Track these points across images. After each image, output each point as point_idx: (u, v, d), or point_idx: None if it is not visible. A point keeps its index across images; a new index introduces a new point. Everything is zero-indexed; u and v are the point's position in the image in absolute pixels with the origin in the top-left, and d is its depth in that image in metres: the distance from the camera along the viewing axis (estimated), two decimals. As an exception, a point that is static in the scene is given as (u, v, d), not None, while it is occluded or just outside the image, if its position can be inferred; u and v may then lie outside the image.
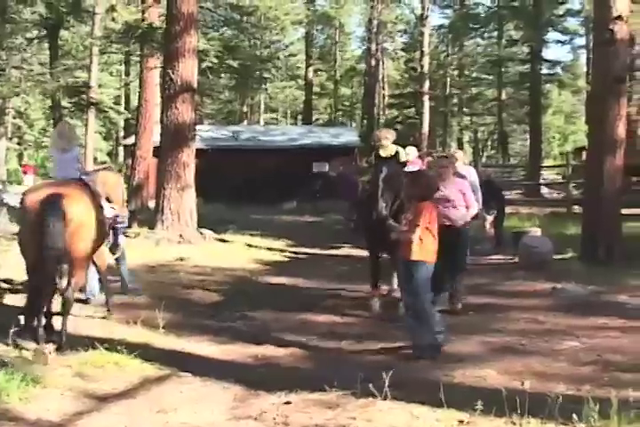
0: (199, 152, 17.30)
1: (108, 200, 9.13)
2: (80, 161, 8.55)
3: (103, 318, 8.74)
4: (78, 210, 7.10)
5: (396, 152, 9.95)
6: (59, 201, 6.92)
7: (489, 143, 68.18)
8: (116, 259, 9.96)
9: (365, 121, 56.87)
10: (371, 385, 5.59)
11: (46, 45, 30.82)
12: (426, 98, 45.30)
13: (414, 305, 7.34)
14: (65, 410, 5.71)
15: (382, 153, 9.90)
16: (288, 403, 5.77)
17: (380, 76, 57.29)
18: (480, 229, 10.99)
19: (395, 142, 10.03)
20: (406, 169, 9.70)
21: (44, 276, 6.94)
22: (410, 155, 11.41)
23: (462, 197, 9.15)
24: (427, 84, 45.85)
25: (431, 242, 7.22)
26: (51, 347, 6.87)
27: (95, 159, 28.04)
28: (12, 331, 6.81)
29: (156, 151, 19.00)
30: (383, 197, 8.80)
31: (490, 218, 14.41)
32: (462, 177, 10.05)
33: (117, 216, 9.51)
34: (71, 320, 7.37)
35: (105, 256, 9.03)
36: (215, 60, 23.48)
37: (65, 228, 6.85)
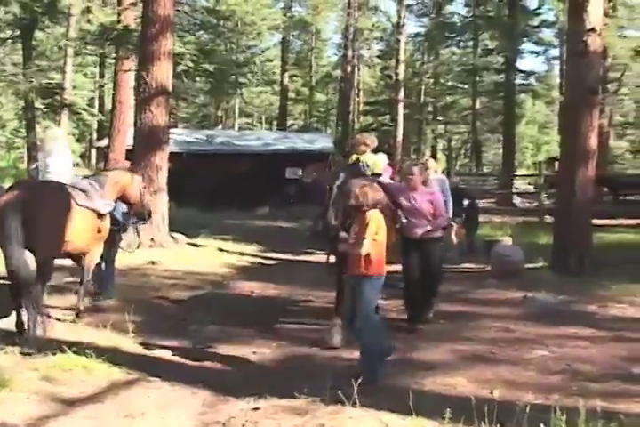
0: (173, 156, 17.21)
1: (123, 200, 9.26)
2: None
3: (72, 321, 8.66)
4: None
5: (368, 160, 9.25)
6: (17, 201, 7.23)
7: (462, 152, 68.47)
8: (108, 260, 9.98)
9: (340, 127, 56.95)
10: (340, 392, 5.58)
11: (20, 46, 30.51)
12: (400, 105, 45.48)
13: (365, 323, 6.86)
14: (31, 414, 5.64)
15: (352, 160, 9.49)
16: (257, 409, 5.75)
17: (356, 83, 57.41)
18: (447, 238, 10.93)
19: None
20: (381, 179, 9.18)
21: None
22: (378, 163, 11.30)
23: (431, 207, 8.87)
24: (402, 92, 46.05)
25: (380, 254, 6.90)
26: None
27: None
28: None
29: (130, 154, 18.88)
30: (334, 205, 8.16)
31: (455, 226, 14.38)
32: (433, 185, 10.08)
33: (127, 213, 9.57)
34: (39, 324, 7.30)
35: (94, 257, 8.98)
36: (191, 64, 23.44)
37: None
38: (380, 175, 9.20)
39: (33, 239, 7.19)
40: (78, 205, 7.90)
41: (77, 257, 8.56)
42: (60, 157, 8.36)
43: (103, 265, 9.88)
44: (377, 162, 9.24)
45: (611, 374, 6.78)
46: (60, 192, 7.80)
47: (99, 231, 8.52)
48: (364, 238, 6.72)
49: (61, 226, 7.55)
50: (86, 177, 9.21)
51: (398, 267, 9.24)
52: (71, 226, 7.65)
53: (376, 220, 6.86)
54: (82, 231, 7.95)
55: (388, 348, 7.09)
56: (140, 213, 9.74)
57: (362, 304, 6.87)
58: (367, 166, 8.94)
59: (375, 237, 6.79)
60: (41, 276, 7.34)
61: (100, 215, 8.41)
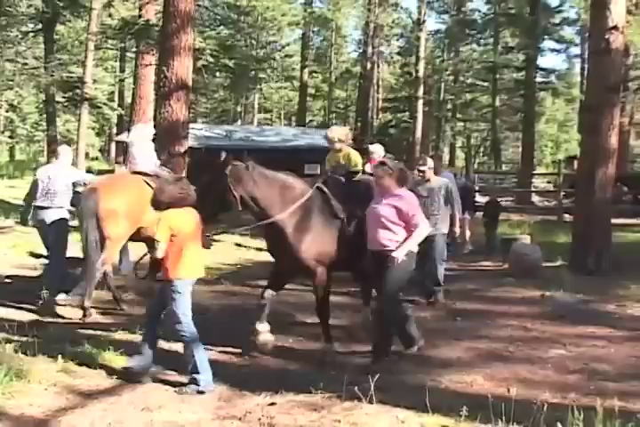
0: (192, 150, 17.25)
1: None
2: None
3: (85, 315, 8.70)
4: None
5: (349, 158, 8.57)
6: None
7: (482, 149, 68.22)
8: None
9: (359, 124, 56.86)
10: (356, 388, 5.59)
11: (41, 39, 30.61)
12: (420, 102, 45.28)
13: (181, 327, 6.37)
14: (49, 406, 5.69)
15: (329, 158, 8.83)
16: (273, 404, 5.77)
17: (375, 80, 57.25)
18: (461, 232, 10.75)
19: (387, 147, 9.53)
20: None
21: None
22: (375, 154, 10.95)
23: (396, 215, 7.05)
24: (421, 89, 45.81)
25: (185, 256, 6.33)
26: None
27: (87, 155, 27.88)
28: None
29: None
30: None
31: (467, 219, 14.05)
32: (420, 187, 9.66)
33: None
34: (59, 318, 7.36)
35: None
36: (211, 59, 23.47)
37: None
38: (357, 173, 8.45)
39: None
40: None
41: None
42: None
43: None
44: (351, 158, 8.53)
45: (628, 374, 6.75)
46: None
47: None
48: (156, 241, 6.25)
49: None
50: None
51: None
52: None
53: (169, 219, 6.28)
54: None
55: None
56: None
57: (176, 310, 6.38)
58: (343, 164, 8.47)
59: (174, 238, 6.26)
60: None
61: None
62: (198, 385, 6.19)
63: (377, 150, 11.25)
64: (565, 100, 61.42)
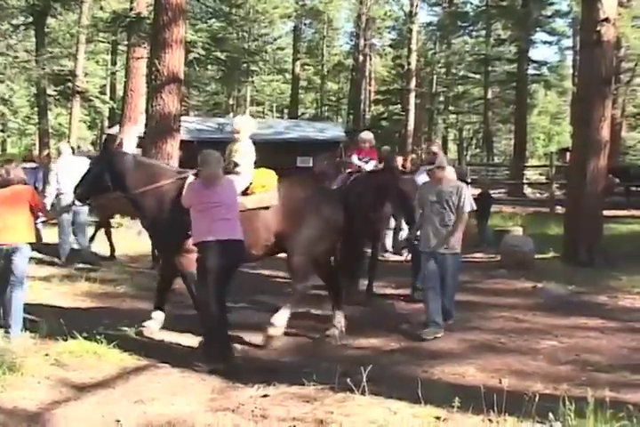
0: (184, 143, 17.20)
1: None
2: None
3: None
4: None
5: None
6: None
7: (474, 142, 68.28)
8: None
9: (351, 116, 56.83)
10: (349, 380, 5.60)
11: (32, 32, 30.50)
12: (412, 95, 45.29)
13: None
14: (42, 398, 5.70)
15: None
16: (266, 396, 5.78)
17: (367, 72, 57.18)
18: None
19: (379, 139, 9.38)
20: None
21: None
22: (367, 143, 10.80)
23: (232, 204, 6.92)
24: (413, 81, 45.81)
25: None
26: None
27: (79, 148, 27.80)
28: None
29: (141, 142, 18.91)
30: None
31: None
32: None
33: None
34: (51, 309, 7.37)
35: None
36: (202, 52, 23.41)
37: None
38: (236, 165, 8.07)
39: None
40: None
41: None
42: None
43: None
44: (238, 151, 8.22)
45: (620, 365, 6.78)
46: None
47: None
48: None
49: None
50: None
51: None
52: None
53: None
54: None
55: None
56: None
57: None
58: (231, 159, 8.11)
59: None
60: None
61: None
62: None
63: (368, 139, 11.07)
64: (557, 92, 61.45)
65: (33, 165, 14.45)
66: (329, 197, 8.06)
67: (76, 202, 8.72)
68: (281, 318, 7.58)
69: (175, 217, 7.35)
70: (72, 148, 14.74)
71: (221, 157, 7.24)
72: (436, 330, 7.88)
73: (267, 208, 7.65)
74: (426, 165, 9.07)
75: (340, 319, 7.98)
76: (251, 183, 7.89)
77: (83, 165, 10.33)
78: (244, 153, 8.16)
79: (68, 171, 11.39)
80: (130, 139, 10.75)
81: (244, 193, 7.66)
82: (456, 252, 8.22)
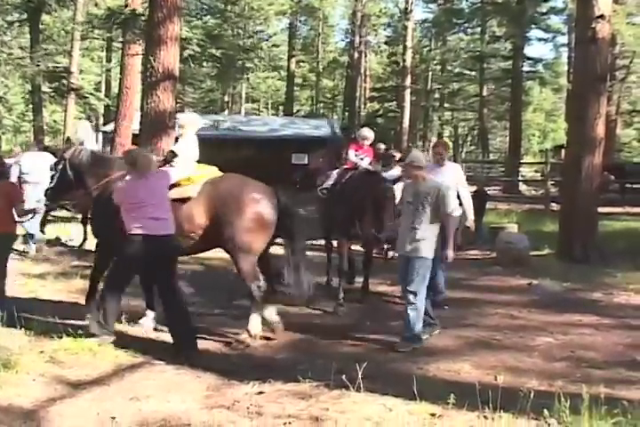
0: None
1: None
2: None
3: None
4: None
5: None
6: None
7: (469, 139, 68.34)
8: None
9: (347, 113, 56.84)
10: (344, 377, 5.60)
11: (27, 29, 30.44)
12: (407, 92, 45.30)
13: None
14: (37, 396, 5.69)
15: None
16: (261, 393, 5.77)
17: (363, 69, 57.21)
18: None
19: (375, 137, 9.35)
20: None
21: None
22: (367, 140, 10.68)
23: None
24: (409, 78, 45.83)
25: None
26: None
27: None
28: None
29: (136, 139, 18.89)
30: None
31: None
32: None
33: None
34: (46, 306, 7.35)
35: None
36: (197, 49, 23.35)
37: None
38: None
39: None
40: None
41: None
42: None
43: None
44: (180, 144, 8.42)
45: (615, 362, 6.79)
46: None
47: None
48: None
49: None
50: None
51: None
52: None
53: None
54: None
55: None
56: None
57: None
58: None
59: None
60: None
61: None
62: None
63: (368, 136, 10.99)
64: (552, 89, 61.60)
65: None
66: (258, 192, 7.75)
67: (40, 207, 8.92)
68: (255, 325, 7.65)
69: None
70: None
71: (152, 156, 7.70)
72: (413, 344, 7.39)
73: (187, 200, 7.65)
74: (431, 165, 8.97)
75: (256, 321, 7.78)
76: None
77: (46, 160, 11.40)
78: (184, 148, 8.29)
79: (31, 164, 12.68)
80: (87, 135, 10.76)
81: (173, 185, 7.67)
82: (422, 256, 7.40)
